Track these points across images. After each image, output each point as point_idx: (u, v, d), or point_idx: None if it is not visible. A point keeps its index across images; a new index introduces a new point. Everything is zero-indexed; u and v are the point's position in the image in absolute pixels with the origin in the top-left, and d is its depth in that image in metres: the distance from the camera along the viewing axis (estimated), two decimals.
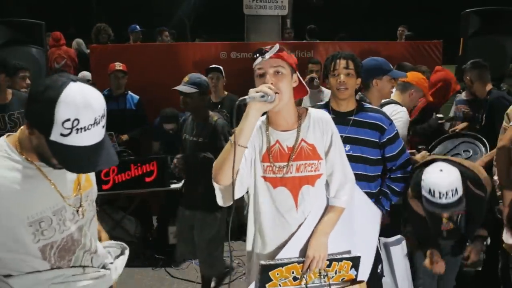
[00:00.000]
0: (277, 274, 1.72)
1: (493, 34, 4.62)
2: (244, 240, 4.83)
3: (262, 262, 1.73)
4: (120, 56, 4.69)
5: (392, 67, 2.85)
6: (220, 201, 1.75)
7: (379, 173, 2.43)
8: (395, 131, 2.38)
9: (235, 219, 4.74)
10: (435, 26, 12.30)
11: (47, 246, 1.32)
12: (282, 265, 1.73)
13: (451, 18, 8.20)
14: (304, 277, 1.75)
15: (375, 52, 4.75)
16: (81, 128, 1.18)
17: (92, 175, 1.50)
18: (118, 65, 4.44)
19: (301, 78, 1.81)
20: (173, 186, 4.02)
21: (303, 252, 1.79)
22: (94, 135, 1.22)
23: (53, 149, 1.20)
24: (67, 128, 1.17)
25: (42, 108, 1.18)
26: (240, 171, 1.68)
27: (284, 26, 7.61)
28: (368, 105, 2.44)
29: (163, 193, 4.25)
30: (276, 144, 1.79)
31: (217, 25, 14.22)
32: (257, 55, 1.73)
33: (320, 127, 1.81)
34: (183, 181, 4.13)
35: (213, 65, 4.44)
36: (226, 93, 4.51)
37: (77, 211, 1.39)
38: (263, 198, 1.81)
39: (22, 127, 1.30)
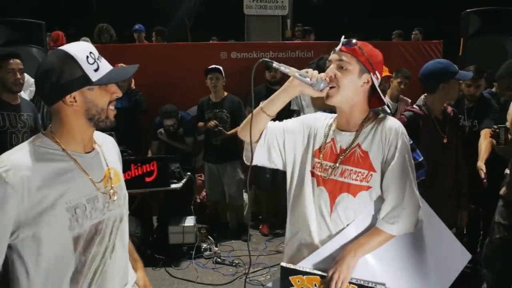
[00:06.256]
0: (298, 281, 1.63)
1: (493, 34, 4.61)
2: (244, 240, 4.86)
3: (283, 264, 1.66)
4: (121, 56, 4.69)
5: (457, 68, 2.72)
6: (244, 157, 1.77)
7: None
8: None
9: (234, 218, 4.75)
10: (435, 26, 12.29)
11: (80, 236, 1.35)
12: (302, 273, 1.61)
13: (451, 18, 8.19)
14: None
15: None
16: (98, 57, 1.35)
17: (120, 172, 1.54)
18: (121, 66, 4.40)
19: (377, 84, 1.62)
20: (173, 186, 4.03)
21: (326, 264, 1.63)
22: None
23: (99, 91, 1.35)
24: (93, 62, 1.32)
25: (64, 67, 1.28)
26: (271, 140, 1.70)
27: (284, 25, 7.60)
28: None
29: (163, 193, 4.26)
30: (330, 142, 1.69)
31: (217, 25, 14.21)
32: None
33: (383, 137, 1.60)
34: (183, 181, 4.15)
35: (213, 66, 4.44)
36: (225, 93, 4.52)
37: (110, 197, 1.44)
38: (308, 193, 1.70)
39: (50, 125, 1.38)
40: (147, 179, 3.88)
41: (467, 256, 1.82)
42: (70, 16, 15.36)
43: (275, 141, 1.71)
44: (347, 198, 1.61)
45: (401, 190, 1.58)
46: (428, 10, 15.62)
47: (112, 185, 1.45)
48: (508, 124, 2.90)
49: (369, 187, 1.60)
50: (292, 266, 1.64)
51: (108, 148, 1.52)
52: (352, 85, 1.59)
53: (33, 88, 3.93)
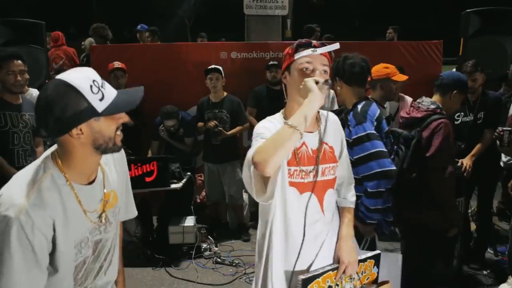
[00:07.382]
0: (315, 286, 1.67)
1: (493, 34, 4.60)
2: (244, 240, 4.84)
3: (302, 276, 1.64)
4: (120, 56, 4.70)
5: None
6: (256, 196, 1.54)
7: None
8: (358, 135, 2.27)
9: (234, 218, 4.75)
10: (435, 26, 12.29)
11: (81, 262, 1.36)
12: (319, 275, 1.68)
13: (451, 18, 8.20)
14: (338, 284, 1.74)
15: (376, 52, 4.75)
16: (102, 84, 1.27)
17: (119, 193, 1.49)
18: (117, 64, 4.45)
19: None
20: (173, 186, 4.03)
21: (333, 258, 1.78)
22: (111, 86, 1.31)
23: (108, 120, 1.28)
24: (97, 91, 1.23)
25: (68, 99, 1.20)
26: None
27: (284, 25, 7.55)
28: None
29: (163, 193, 4.26)
30: (302, 146, 1.67)
31: (217, 25, 14.22)
32: (302, 47, 1.62)
33: (335, 130, 1.79)
34: (183, 181, 4.15)
35: (213, 66, 4.44)
36: (225, 93, 4.52)
37: (106, 220, 1.41)
38: (290, 205, 1.67)
39: (55, 148, 1.31)
40: (147, 179, 3.88)
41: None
42: (70, 16, 15.37)
43: None
44: (330, 192, 1.77)
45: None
46: (428, 10, 15.64)
47: (110, 209, 1.43)
48: None
49: (336, 177, 1.79)
50: (309, 275, 1.67)
51: (111, 167, 1.47)
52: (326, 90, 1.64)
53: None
